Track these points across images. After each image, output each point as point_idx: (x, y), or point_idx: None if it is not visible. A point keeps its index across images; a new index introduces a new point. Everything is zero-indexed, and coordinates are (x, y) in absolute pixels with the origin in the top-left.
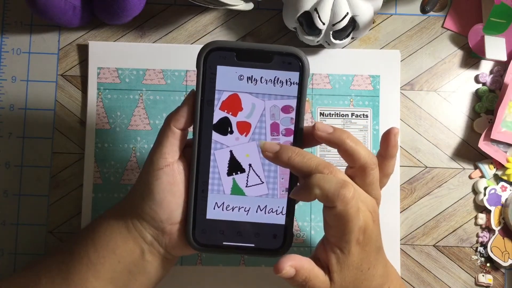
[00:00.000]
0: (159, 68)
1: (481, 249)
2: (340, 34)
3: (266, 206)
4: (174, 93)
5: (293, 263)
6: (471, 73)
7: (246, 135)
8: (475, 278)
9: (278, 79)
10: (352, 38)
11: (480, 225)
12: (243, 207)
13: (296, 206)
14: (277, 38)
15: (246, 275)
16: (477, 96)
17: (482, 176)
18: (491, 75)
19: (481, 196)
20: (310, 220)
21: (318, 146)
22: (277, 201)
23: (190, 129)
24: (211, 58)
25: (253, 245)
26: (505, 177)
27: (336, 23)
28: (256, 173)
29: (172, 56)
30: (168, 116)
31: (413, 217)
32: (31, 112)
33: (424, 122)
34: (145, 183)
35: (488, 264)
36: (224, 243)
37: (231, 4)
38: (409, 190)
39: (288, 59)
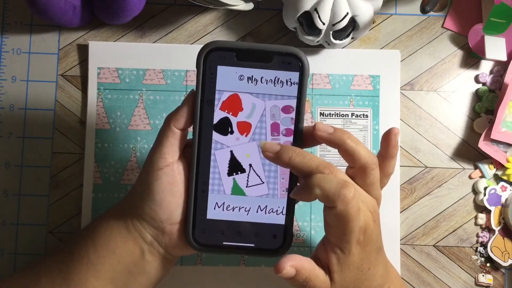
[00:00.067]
0: (159, 68)
1: (481, 249)
2: (340, 34)
3: (266, 206)
4: (174, 93)
5: (294, 263)
6: (471, 73)
7: (246, 135)
8: (475, 278)
9: (278, 79)
10: (352, 38)
11: (480, 225)
12: (243, 207)
13: (296, 206)
14: (277, 38)
15: (246, 275)
16: (477, 96)
17: (482, 176)
18: (491, 75)
19: (481, 196)
20: (310, 220)
21: (318, 146)
22: (278, 201)
23: (190, 129)
24: (211, 58)
25: (253, 245)
26: (505, 177)
27: (336, 23)
28: (256, 173)
29: (172, 56)
30: (168, 116)
31: (413, 217)
32: (31, 112)
33: (424, 122)
34: (145, 183)
35: (488, 264)
36: (224, 243)
37: (231, 4)
38: (409, 190)
39: (288, 59)
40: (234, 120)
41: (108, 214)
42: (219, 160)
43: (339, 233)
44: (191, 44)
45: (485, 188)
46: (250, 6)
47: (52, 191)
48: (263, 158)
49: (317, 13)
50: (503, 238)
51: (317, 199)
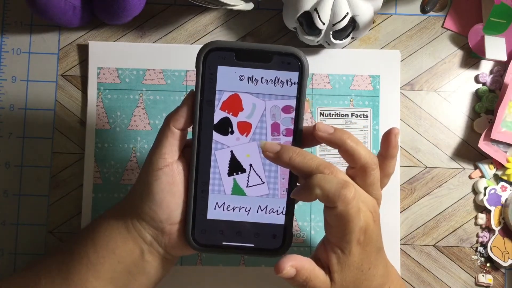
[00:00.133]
0: (159, 68)
1: (481, 249)
2: (340, 34)
3: (266, 206)
4: (174, 93)
5: (294, 263)
6: (471, 73)
7: (246, 135)
8: (475, 278)
9: (278, 79)
10: (352, 38)
11: (480, 225)
12: (243, 207)
13: (296, 206)
14: (277, 38)
15: (246, 275)
16: (477, 96)
17: (482, 176)
18: (491, 75)
19: (481, 196)
20: (310, 220)
21: (318, 146)
22: (278, 201)
23: (190, 129)
24: (210, 58)
25: (252, 245)
26: (505, 177)
27: (336, 23)
28: (256, 173)
29: (172, 56)
30: (167, 116)
31: (413, 217)
32: (31, 112)
33: (424, 122)
34: (144, 183)
35: (488, 264)
36: (223, 243)
37: (231, 4)
38: (409, 190)
39: (288, 59)
40: (234, 120)
41: (108, 214)
42: (220, 160)
43: (340, 233)
44: (191, 44)
45: (485, 188)
46: (250, 6)
47: (52, 191)
48: (263, 158)
49: (317, 13)
50: (503, 238)
51: (317, 199)
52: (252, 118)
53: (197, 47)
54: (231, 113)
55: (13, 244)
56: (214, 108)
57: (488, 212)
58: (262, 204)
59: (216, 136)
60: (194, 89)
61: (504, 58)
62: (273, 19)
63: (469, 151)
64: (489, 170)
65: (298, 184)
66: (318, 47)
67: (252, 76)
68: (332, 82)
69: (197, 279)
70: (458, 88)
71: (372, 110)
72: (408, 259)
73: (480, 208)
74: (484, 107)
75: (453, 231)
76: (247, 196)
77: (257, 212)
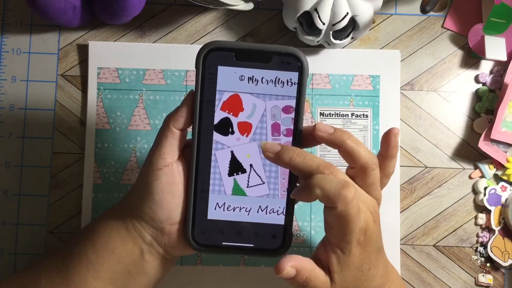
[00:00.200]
0: (159, 68)
1: (481, 249)
2: (340, 34)
3: (267, 207)
4: (174, 93)
5: (294, 264)
6: (471, 73)
7: (247, 136)
8: (475, 278)
9: (279, 79)
10: (352, 38)
11: (480, 225)
12: (244, 207)
13: (296, 206)
14: (277, 38)
15: (246, 275)
16: (477, 96)
17: (482, 176)
18: (491, 75)
19: (481, 196)
20: (310, 220)
21: (318, 146)
22: (278, 202)
23: (190, 129)
24: (210, 58)
25: (252, 245)
26: (505, 177)
27: (336, 23)
28: (257, 174)
29: (172, 56)
30: (167, 117)
31: (413, 217)
32: (31, 112)
33: (424, 122)
34: (144, 184)
35: (488, 264)
36: (223, 243)
37: (231, 4)
38: (409, 190)
39: (287, 59)
40: (234, 120)
41: (107, 214)
42: (220, 161)
43: (340, 233)
44: (191, 44)
45: (485, 188)
46: (250, 6)
47: (52, 191)
48: (263, 158)
49: (317, 13)
50: (503, 238)
51: (317, 200)
52: (252, 118)
53: (197, 47)
54: (231, 113)
55: (13, 244)
56: (215, 108)
57: (488, 212)
58: (262, 204)
59: (216, 136)
60: (194, 89)
61: (504, 58)
62: (273, 19)
63: (469, 151)
64: (489, 170)
65: (298, 184)
66: (318, 47)
67: (253, 76)
68: (332, 82)
69: (197, 279)
70: (458, 88)
71: (372, 110)
72: (408, 259)
73: (480, 208)
74: (484, 107)
75: (453, 231)
76: (247, 196)
77: (258, 212)
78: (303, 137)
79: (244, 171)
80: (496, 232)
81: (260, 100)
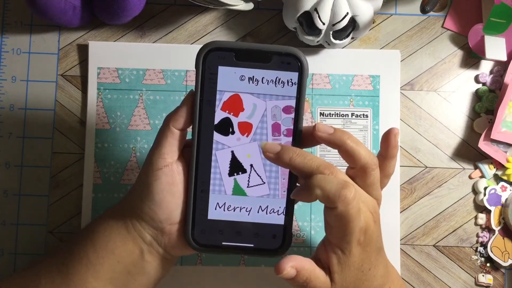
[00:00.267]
0: (159, 68)
1: (481, 249)
2: (340, 34)
3: (267, 207)
4: (174, 93)
5: (294, 264)
6: (471, 73)
7: (247, 136)
8: (475, 278)
9: (279, 79)
10: (352, 38)
11: (480, 225)
12: (244, 207)
13: (296, 206)
14: (277, 38)
15: (246, 275)
16: (477, 96)
17: (482, 176)
18: (491, 75)
19: (481, 196)
20: (310, 220)
21: (318, 146)
22: (279, 202)
23: (190, 129)
24: (210, 58)
25: (252, 245)
26: (505, 177)
27: (336, 23)
28: (257, 174)
29: (172, 56)
30: (167, 117)
31: (413, 217)
32: (31, 112)
33: (424, 122)
34: (144, 184)
35: (488, 264)
36: (223, 243)
37: (231, 4)
38: (409, 190)
39: (287, 59)
40: (235, 121)
41: (107, 214)
42: (220, 161)
43: (340, 233)
44: (191, 44)
45: (485, 188)
46: (250, 6)
47: (52, 191)
48: (264, 158)
49: (317, 13)
50: (503, 238)
51: (317, 200)
52: (252, 119)
53: (197, 47)
54: (231, 114)
55: (13, 244)
56: (215, 108)
57: (488, 212)
58: (263, 204)
59: (216, 136)
60: (194, 89)
61: (504, 58)
62: (273, 19)
63: (469, 151)
64: (489, 170)
65: (298, 184)
66: (318, 47)
67: (253, 76)
68: (332, 82)
69: (197, 279)
70: (458, 88)
71: (372, 110)
72: (408, 259)
73: (480, 208)
74: (484, 107)
75: (453, 231)
76: (247, 196)
77: (258, 212)
78: (303, 137)
79: (244, 171)
80: (496, 232)
81: (261, 100)
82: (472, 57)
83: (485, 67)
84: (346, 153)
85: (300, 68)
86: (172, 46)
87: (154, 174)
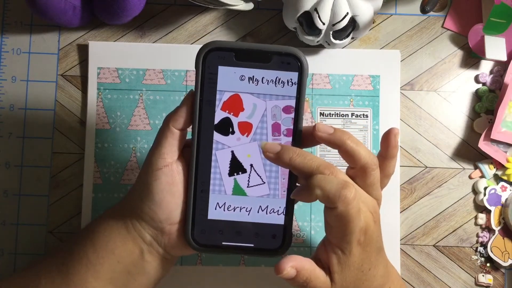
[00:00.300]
0: (159, 68)
1: (481, 249)
2: (340, 34)
3: (267, 207)
4: (174, 93)
5: (294, 264)
6: (471, 73)
7: (247, 136)
8: (475, 278)
9: (279, 79)
10: (352, 38)
11: (480, 225)
12: (244, 207)
13: (296, 206)
14: (277, 38)
15: (246, 275)
16: (477, 96)
17: (482, 176)
18: (491, 75)
19: (481, 196)
20: (310, 220)
21: (318, 146)
22: (279, 202)
23: (190, 129)
24: (210, 58)
25: (252, 245)
26: (505, 177)
27: (336, 23)
28: (257, 174)
29: (172, 56)
30: (167, 117)
31: (413, 217)
32: (31, 112)
33: (424, 122)
34: (144, 184)
35: (488, 264)
36: (223, 243)
37: (231, 4)
38: (409, 190)
39: (287, 59)
40: (235, 120)
41: (107, 214)
42: (220, 160)
43: (340, 233)
44: (191, 44)
45: (485, 188)
46: (250, 6)
47: (52, 191)
48: (264, 158)
49: (317, 13)
50: (503, 238)
51: (317, 200)
52: (253, 118)
53: (197, 47)
54: (231, 113)
55: (13, 244)
56: (215, 108)
57: (488, 212)
58: (263, 204)
59: (216, 136)
60: (194, 89)
61: (504, 58)
62: (273, 19)
63: (469, 151)
64: (489, 170)
65: (297, 184)
66: (318, 47)
67: (253, 76)
68: (332, 82)
69: (197, 279)
70: (458, 88)
71: (372, 110)
72: (408, 259)
73: (480, 208)
74: (484, 107)
75: (453, 231)
76: (247, 196)
77: (258, 212)
78: (303, 137)
79: (244, 171)
80: (496, 232)
81: (261, 100)
82: (472, 57)
83: (485, 67)
84: (346, 153)
85: (300, 68)
86: (172, 46)
87: (154, 174)
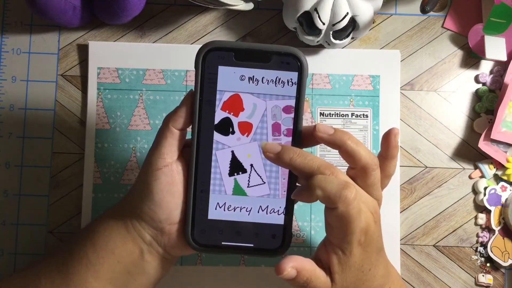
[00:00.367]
0: (159, 68)
1: (481, 249)
2: (340, 34)
3: (267, 207)
4: (174, 93)
5: (295, 264)
6: (471, 73)
7: (247, 136)
8: (475, 278)
9: (279, 79)
10: (352, 38)
11: (480, 225)
12: (244, 207)
13: (296, 206)
14: (277, 38)
15: (246, 275)
16: (477, 96)
17: (482, 176)
18: (491, 75)
19: (481, 196)
20: (310, 220)
21: (318, 146)
22: (279, 202)
23: (189, 129)
24: (209, 58)
25: (252, 245)
26: (505, 177)
27: (336, 23)
28: (257, 174)
29: (172, 56)
30: (166, 117)
31: (413, 217)
32: (31, 112)
33: (424, 122)
34: (144, 184)
35: (488, 264)
36: (223, 243)
37: (231, 4)
38: (409, 190)
39: (287, 59)
40: (235, 120)
41: (107, 214)
42: (220, 160)
43: (340, 234)
44: (191, 44)
45: (485, 188)
46: (250, 6)
47: (52, 191)
48: (264, 158)
49: (317, 13)
50: (503, 238)
51: (318, 200)
52: (253, 118)
53: (197, 47)
54: (232, 113)
55: (13, 244)
56: (215, 108)
57: (488, 212)
58: (263, 204)
59: (217, 136)
60: (194, 89)
61: (504, 58)
62: (273, 19)
63: (469, 151)
64: (489, 170)
65: (298, 184)
66: (318, 47)
67: (253, 76)
68: (332, 82)
69: (197, 279)
70: (458, 88)
71: (372, 110)
72: (408, 259)
73: (480, 208)
74: (484, 107)
75: (453, 231)
76: (248, 196)
77: (258, 212)
78: (303, 137)
79: (244, 171)
80: (496, 232)
81: (261, 100)
82: (472, 57)
83: (485, 67)
84: (347, 153)
85: (300, 68)
86: (172, 46)
87: (154, 174)
